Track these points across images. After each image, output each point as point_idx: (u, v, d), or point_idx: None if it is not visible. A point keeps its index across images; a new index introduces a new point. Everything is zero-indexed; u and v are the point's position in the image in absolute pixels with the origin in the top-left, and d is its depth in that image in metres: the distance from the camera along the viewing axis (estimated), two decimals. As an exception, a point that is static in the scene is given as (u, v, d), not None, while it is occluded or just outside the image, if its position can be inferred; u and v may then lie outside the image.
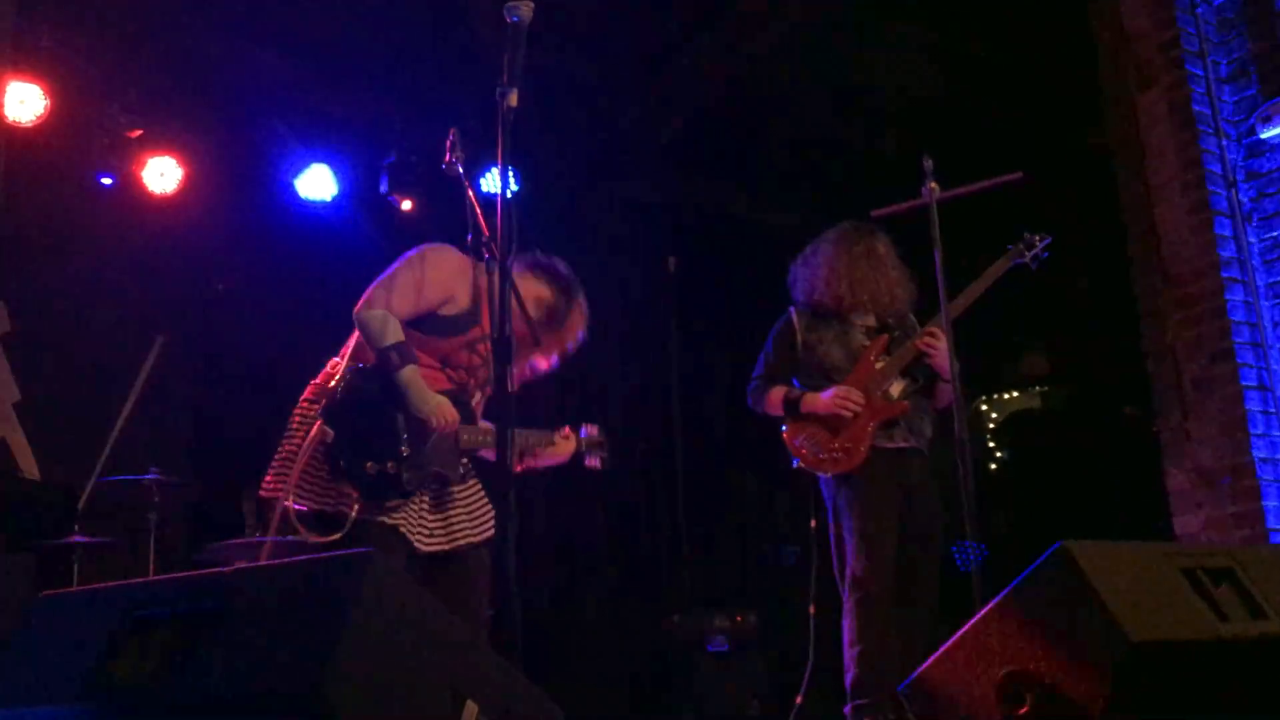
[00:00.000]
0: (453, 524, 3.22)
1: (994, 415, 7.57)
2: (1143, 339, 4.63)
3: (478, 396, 3.36)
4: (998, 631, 2.25)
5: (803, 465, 4.07)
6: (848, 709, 3.89)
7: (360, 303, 3.17)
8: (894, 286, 4.16)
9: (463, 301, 3.25)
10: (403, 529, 3.10)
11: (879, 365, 4.07)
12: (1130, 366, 4.80)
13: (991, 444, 7.50)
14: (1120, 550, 2.29)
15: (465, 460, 3.29)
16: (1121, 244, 4.74)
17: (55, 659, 2.06)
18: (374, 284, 3.19)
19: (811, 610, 4.87)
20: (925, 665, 2.38)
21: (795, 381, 4.19)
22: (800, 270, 4.27)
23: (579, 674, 6.36)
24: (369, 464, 3.05)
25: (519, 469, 3.34)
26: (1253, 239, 4.50)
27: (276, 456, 3.20)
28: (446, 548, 3.19)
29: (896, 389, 4.07)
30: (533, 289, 3.33)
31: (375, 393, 3.13)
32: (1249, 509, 4.21)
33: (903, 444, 4.01)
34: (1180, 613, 2.23)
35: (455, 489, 3.27)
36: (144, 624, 1.96)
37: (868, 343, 4.12)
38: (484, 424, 3.31)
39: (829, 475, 4.04)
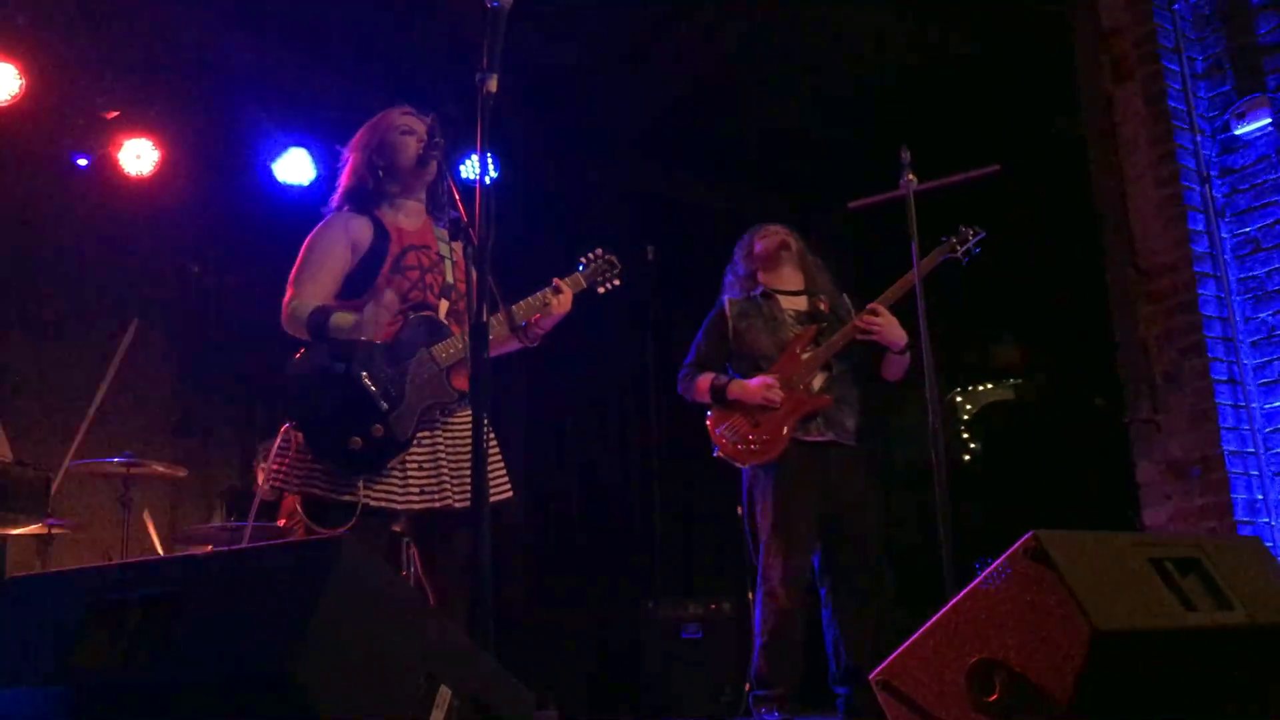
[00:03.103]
0: (444, 480, 3.10)
1: (968, 407, 7.61)
2: (1114, 332, 4.66)
3: (444, 306, 3.25)
4: (968, 619, 2.27)
5: (722, 454, 4.11)
6: (750, 697, 3.96)
7: (282, 320, 3.17)
8: (781, 233, 4.32)
9: (365, 242, 3.20)
10: (399, 506, 3.04)
11: (804, 356, 4.10)
12: (1102, 359, 4.83)
13: (965, 435, 7.54)
14: (1089, 540, 2.31)
15: (452, 378, 3.15)
16: (1095, 237, 4.77)
17: (23, 643, 2.05)
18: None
19: (750, 595, 4.91)
20: (897, 653, 2.40)
21: (729, 369, 4.23)
22: (729, 268, 4.45)
23: (553, 659, 6.37)
24: (354, 440, 2.97)
25: (531, 344, 3.28)
26: (1225, 234, 4.53)
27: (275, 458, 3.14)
28: (436, 505, 3.07)
29: (818, 381, 4.09)
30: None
31: (328, 368, 3.04)
32: (1217, 501, 4.25)
33: (819, 438, 4.02)
34: (1147, 602, 2.26)
35: (455, 431, 3.16)
36: (114, 607, 1.95)
37: (797, 329, 4.16)
38: (458, 332, 3.19)
39: (747, 466, 4.08)
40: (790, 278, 4.30)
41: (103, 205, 6.18)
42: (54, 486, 4.85)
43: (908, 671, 2.36)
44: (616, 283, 3.52)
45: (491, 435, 3.19)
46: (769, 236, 4.33)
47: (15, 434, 4.95)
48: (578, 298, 3.40)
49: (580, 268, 3.46)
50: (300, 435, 3.05)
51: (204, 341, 6.61)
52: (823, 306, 4.22)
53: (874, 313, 4.01)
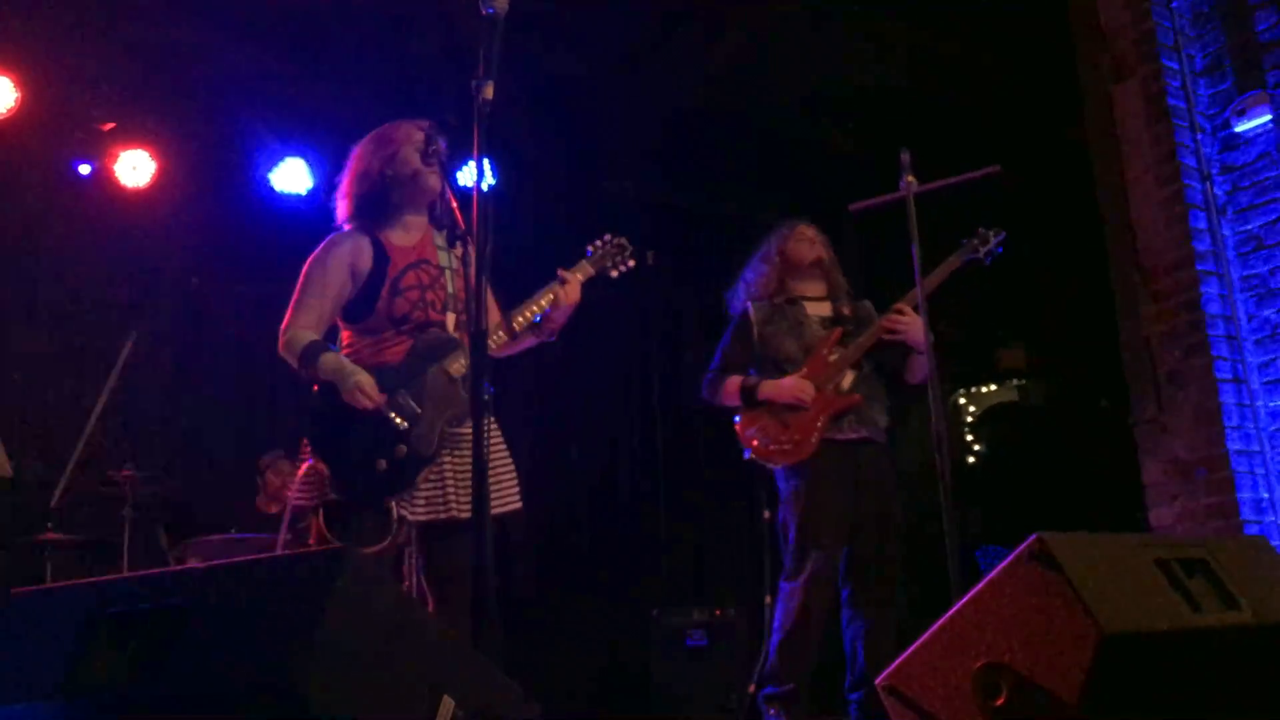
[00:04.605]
0: (449, 493, 3.12)
1: (972, 408, 7.61)
2: (1118, 332, 4.65)
3: (451, 319, 3.25)
4: (975, 623, 2.26)
5: (754, 456, 4.10)
6: (760, 695, 3.96)
7: (279, 347, 3.18)
8: (817, 247, 4.27)
9: (365, 266, 3.20)
10: (407, 517, 3.06)
11: (832, 358, 4.10)
12: (1106, 359, 4.82)
13: (969, 437, 7.54)
14: (1095, 542, 2.30)
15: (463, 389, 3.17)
16: (1098, 237, 4.76)
17: (26, 657, 2.04)
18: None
19: (767, 601, 4.88)
20: (903, 657, 2.38)
21: (752, 373, 4.21)
22: (750, 265, 4.41)
23: (557, 668, 6.35)
24: (380, 463, 3.01)
25: (549, 339, 3.29)
26: (1227, 232, 4.52)
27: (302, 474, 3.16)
28: (442, 517, 3.10)
29: (848, 381, 4.09)
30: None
31: (341, 398, 3.07)
32: (1223, 501, 4.24)
33: (853, 435, 4.02)
34: (1154, 603, 2.25)
35: (464, 444, 3.12)
36: (117, 620, 1.95)
37: (823, 333, 4.16)
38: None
39: (780, 466, 4.07)
40: (815, 287, 4.30)
41: (100, 217, 6.17)
42: (54, 500, 4.84)
43: (913, 676, 2.35)
44: (631, 263, 3.52)
45: (503, 445, 3.25)
46: (805, 244, 4.29)
47: (15, 448, 4.94)
48: (584, 300, 3.38)
49: (588, 254, 3.47)
50: (325, 468, 3.06)
51: (203, 352, 6.60)
52: (846, 311, 4.23)
53: (900, 312, 4.03)
